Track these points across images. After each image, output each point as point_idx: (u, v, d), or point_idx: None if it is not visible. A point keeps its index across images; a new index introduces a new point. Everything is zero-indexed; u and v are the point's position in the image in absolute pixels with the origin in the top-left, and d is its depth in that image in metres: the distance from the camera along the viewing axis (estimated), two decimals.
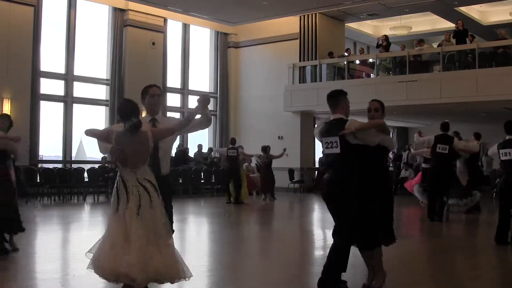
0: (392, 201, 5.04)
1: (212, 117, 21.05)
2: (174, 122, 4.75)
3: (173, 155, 19.07)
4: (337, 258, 4.81)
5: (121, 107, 4.43)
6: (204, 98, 4.76)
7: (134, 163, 4.26)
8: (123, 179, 4.26)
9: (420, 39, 18.52)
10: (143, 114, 4.80)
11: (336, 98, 4.86)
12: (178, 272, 4.19)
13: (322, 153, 4.94)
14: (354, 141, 4.66)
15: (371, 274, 4.99)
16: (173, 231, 4.52)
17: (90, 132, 4.46)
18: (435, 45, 18.92)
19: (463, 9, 19.59)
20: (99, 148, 4.51)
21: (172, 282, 4.27)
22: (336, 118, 4.81)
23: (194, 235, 9.70)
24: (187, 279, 4.23)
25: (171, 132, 4.65)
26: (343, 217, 4.76)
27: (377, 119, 4.90)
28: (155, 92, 4.67)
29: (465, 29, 17.16)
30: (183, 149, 18.72)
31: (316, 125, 5.36)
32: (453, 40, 17.18)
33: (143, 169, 4.31)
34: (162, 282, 4.34)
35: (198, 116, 4.81)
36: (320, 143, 5.06)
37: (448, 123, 10.75)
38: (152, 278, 4.15)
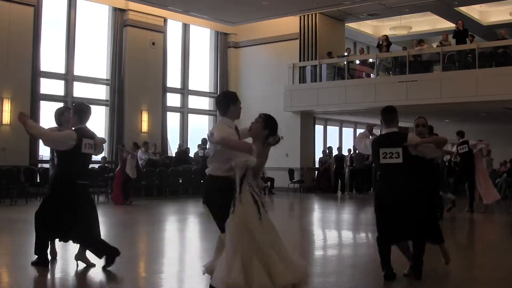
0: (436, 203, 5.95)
1: (212, 117, 21.19)
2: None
3: (174, 155, 19.08)
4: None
5: (274, 122, 4.53)
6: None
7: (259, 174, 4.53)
8: (255, 189, 4.33)
9: (420, 39, 18.52)
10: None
11: (393, 114, 5.48)
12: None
13: (377, 162, 5.42)
14: (414, 152, 5.28)
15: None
16: None
17: (226, 141, 4.41)
18: (435, 45, 18.91)
19: (463, 9, 19.58)
20: (224, 156, 4.50)
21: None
22: (393, 131, 5.44)
23: (194, 235, 9.71)
24: None
25: None
26: (408, 218, 5.26)
27: (441, 137, 5.73)
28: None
29: (465, 29, 17.16)
30: (183, 149, 18.70)
31: (366, 136, 5.77)
32: (451, 40, 17.19)
33: None
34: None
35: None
36: (359, 151, 5.57)
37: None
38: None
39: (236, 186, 4.30)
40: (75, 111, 5.98)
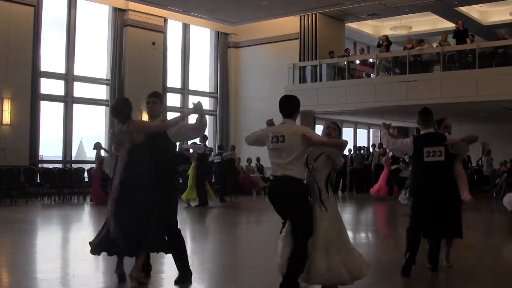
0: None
1: (212, 117, 21.17)
2: None
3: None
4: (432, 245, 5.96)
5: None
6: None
7: None
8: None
9: (420, 39, 18.53)
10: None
11: (431, 115, 5.95)
12: None
13: (420, 160, 5.80)
14: (451, 150, 5.78)
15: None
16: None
17: (338, 142, 5.00)
18: (434, 45, 18.91)
19: (463, 9, 19.58)
20: (303, 159, 4.85)
21: None
22: (432, 131, 5.92)
23: (194, 235, 9.70)
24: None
25: None
26: (443, 215, 5.76)
27: (473, 134, 6.06)
28: None
29: (465, 29, 17.16)
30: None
31: (388, 134, 6.17)
32: (450, 40, 17.18)
33: None
34: None
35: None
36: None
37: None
38: None
39: (320, 188, 4.68)
40: (161, 100, 5.62)
